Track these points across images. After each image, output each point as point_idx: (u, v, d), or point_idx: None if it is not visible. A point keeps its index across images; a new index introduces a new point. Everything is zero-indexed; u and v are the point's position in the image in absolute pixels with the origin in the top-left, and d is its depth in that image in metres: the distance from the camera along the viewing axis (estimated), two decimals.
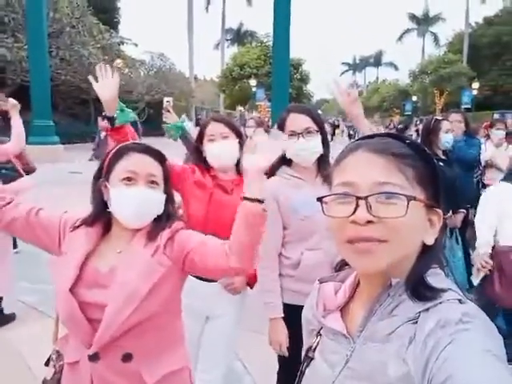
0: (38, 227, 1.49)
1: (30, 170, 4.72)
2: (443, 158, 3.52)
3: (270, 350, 2.11)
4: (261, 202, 1.33)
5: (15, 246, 4.84)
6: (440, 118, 3.74)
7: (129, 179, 1.41)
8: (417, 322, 0.72)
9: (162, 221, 1.49)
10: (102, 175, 1.47)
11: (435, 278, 0.78)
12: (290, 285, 2.04)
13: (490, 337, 0.67)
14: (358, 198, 0.75)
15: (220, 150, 2.18)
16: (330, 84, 1.94)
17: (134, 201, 1.40)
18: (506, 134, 5.34)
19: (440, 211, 0.80)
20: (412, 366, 0.68)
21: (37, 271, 4.64)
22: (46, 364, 1.63)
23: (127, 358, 1.38)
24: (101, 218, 1.47)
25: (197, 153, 2.28)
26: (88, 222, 1.47)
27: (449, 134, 3.55)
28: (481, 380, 0.60)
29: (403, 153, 0.78)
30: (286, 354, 2.03)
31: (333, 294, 0.91)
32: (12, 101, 3.60)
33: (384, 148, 0.78)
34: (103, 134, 11.07)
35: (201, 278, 1.52)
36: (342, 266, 0.96)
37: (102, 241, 1.48)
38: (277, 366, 2.19)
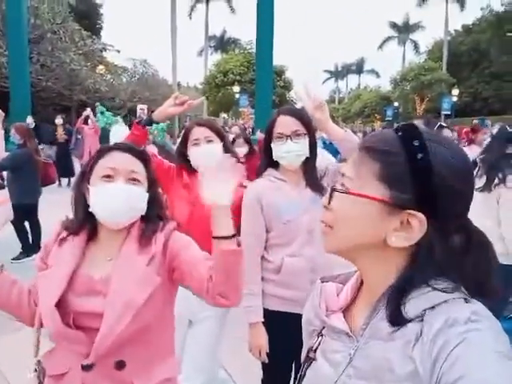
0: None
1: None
2: None
3: (253, 357, 2.07)
4: (233, 237, 1.27)
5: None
6: (444, 124, 3.68)
7: (108, 176, 1.36)
8: (422, 320, 0.71)
9: (151, 223, 1.43)
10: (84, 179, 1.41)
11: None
12: (270, 289, 2.02)
13: (499, 336, 0.66)
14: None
15: (205, 153, 2.19)
16: (298, 90, 1.93)
17: (112, 197, 1.34)
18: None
19: (421, 215, 0.72)
20: (419, 364, 0.67)
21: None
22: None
23: (120, 365, 1.34)
24: (86, 223, 1.40)
25: (181, 156, 2.29)
26: (73, 229, 1.40)
27: None
28: (493, 381, 0.59)
29: (375, 147, 0.77)
30: (266, 359, 2.00)
31: (335, 295, 0.90)
32: None
33: (366, 142, 0.81)
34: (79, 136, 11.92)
35: None
36: None
37: (91, 247, 1.42)
38: (261, 373, 2.15)
